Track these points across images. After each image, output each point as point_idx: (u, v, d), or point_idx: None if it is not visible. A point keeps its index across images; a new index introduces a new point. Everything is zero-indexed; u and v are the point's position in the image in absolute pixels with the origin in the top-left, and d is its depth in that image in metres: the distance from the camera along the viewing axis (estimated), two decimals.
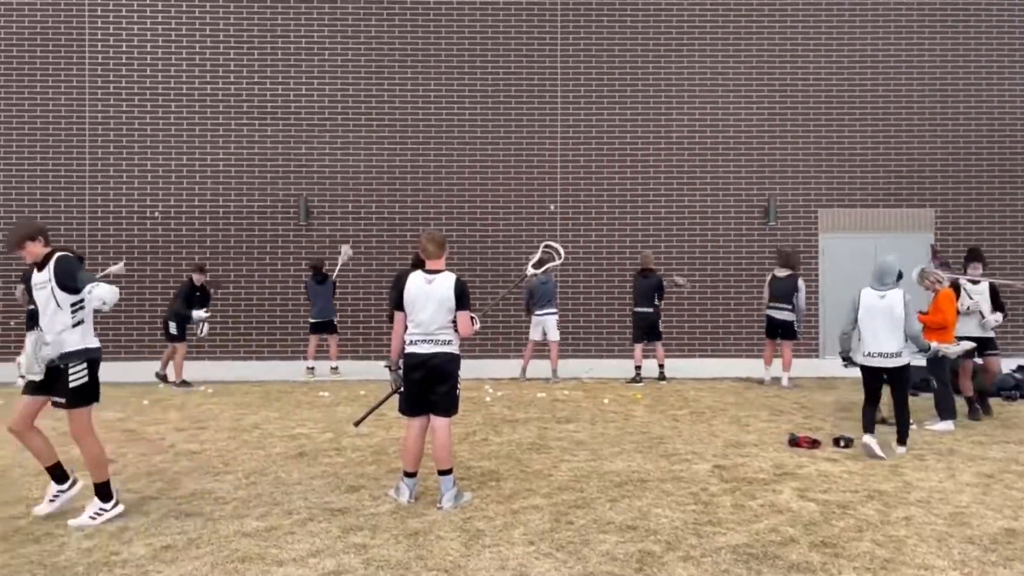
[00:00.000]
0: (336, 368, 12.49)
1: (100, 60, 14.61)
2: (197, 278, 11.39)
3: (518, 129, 14.89)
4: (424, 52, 14.90)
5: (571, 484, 5.92)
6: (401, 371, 5.62)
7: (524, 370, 11.78)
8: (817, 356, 14.57)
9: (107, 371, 11.14)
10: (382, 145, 14.84)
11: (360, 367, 13.30)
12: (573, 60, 14.99)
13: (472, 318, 5.56)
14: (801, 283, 11.11)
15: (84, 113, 14.58)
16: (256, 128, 14.75)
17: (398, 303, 5.64)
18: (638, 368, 11.41)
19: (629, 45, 15.05)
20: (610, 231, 14.96)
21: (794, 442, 7.25)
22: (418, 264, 11.66)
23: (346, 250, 13.25)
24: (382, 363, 10.94)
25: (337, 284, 12.89)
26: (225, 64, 14.76)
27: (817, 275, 14.89)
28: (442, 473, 5.46)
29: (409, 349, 5.52)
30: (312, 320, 12.46)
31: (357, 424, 6.31)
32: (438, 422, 5.48)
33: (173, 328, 11.13)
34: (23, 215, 14.36)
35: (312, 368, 12.25)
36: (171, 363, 11.29)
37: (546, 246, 7.10)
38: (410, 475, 5.53)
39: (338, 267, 13.19)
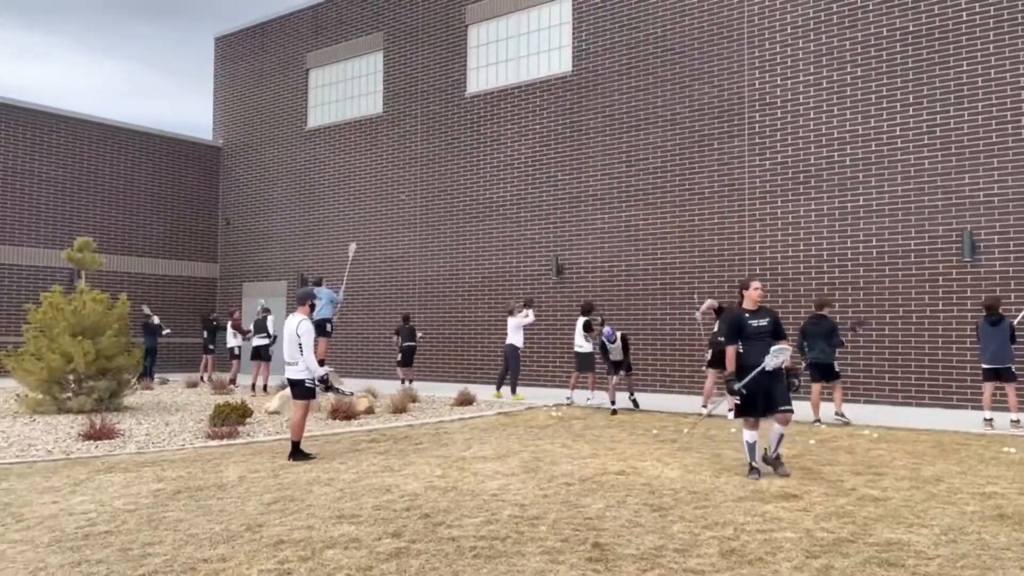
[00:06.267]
0: (1018, 421, 10.97)
1: (756, 114, 15.80)
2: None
3: None
4: None
5: None
6: None
7: None
8: None
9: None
10: None
11: None
12: None
13: None
14: None
15: (743, 161, 15.92)
16: (911, 163, 14.11)
17: None
18: None
19: None
20: None
21: None
22: None
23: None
24: None
25: (1016, 329, 11.31)
26: (876, 99, 14.52)
27: None
28: None
29: None
30: (985, 366, 11.21)
31: None
32: None
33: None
34: (692, 263, 16.27)
35: (990, 420, 10.99)
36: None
37: None
38: None
39: None
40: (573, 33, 18.62)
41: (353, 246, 17.32)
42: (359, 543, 5.46)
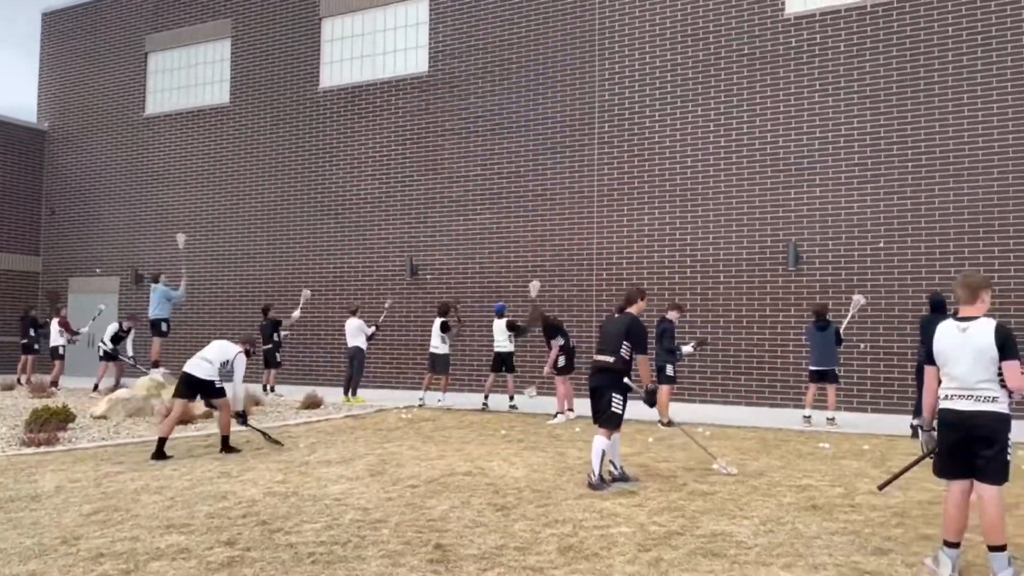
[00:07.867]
0: (833, 419, 11.92)
1: (607, 124, 16.36)
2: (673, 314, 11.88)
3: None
4: (913, 84, 13.73)
5: None
6: (935, 431, 5.15)
7: None
8: None
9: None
10: (876, 183, 13.98)
11: (858, 419, 12.54)
12: None
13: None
14: None
15: (593, 168, 16.43)
16: (744, 177, 15.04)
17: (928, 355, 5.19)
18: None
19: None
20: None
21: None
22: (937, 308, 10.53)
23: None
24: (913, 421, 10.17)
25: (842, 333, 12.22)
26: (714, 115, 15.38)
27: None
28: (992, 549, 4.81)
29: (944, 405, 5.02)
30: (812, 368, 12.11)
31: (882, 488, 5.90)
32: (986, 491, 4.85)
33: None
34: (544, 267, 16.62)
35: (809, 417, 11.89)
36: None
37: None
38: (951, 545, 4.97)
39: (849, 317, 12.65)
40: (430, 33, 18.58)
41: (181, 236, 16.33)
42: (188, 553, 5.20)
